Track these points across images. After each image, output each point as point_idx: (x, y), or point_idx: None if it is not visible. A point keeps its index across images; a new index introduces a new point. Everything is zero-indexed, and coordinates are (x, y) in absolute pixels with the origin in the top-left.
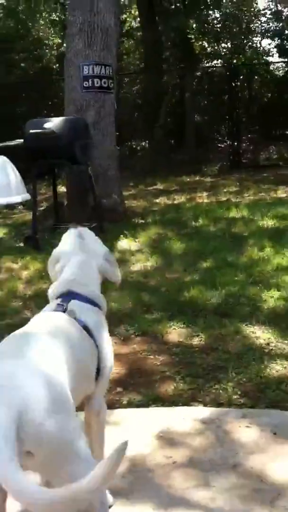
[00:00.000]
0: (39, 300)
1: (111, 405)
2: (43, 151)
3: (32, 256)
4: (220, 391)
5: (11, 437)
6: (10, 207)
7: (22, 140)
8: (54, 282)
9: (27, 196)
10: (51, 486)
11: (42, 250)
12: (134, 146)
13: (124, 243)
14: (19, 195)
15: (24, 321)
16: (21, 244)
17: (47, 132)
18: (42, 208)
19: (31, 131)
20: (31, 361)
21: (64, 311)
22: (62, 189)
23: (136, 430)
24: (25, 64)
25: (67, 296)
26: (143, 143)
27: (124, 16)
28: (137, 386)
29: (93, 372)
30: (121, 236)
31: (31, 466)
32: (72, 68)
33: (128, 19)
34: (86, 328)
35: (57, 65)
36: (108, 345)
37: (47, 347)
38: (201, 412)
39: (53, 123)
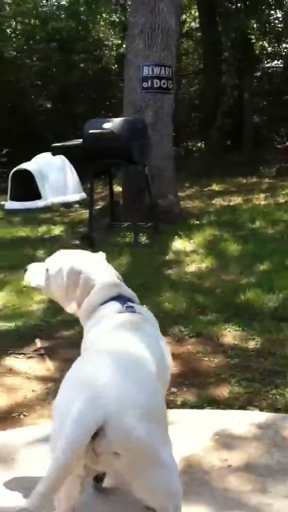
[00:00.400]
0: None
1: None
2: (101, 151)
3: None
4: (277, 396)
5: (85, 437)
6: (67, 205)
7: (81, 140)
8: (92, 290)
9: (83, 195)
10: (130, 488)
11: (98, 248)
12: (190, 147)
13: (179, 244)
14: (76, 194)
15: (76, 318)
16: (77, 242)
17: (106, 132)
18: (98, 207)
19: (90, 131)
20: (133, 362)
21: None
22: (117, 188)
23: (191, 431)
24: (84, 65)
25: (120, 299)
26: (199, 144)
27: (184, 16)
28: (192, 387)
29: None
30: (176, 236)
31: (116, 466)
32: (132, 69)
33: (187, 19)
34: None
35: (116, 65)
36: (166, 347)
37: (145, 351)
38: (258, 416)
39: (112, 123)
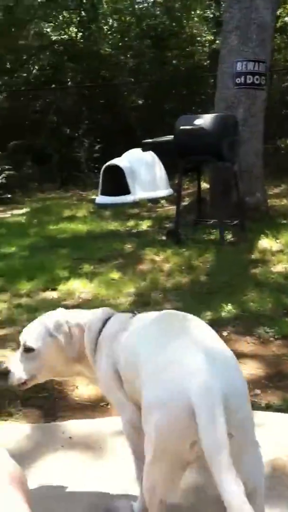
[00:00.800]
0: (178, 293)
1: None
2: (192, 147)
3: (173, 250)
4: None
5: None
6: (154, 201)
7: (172, 136)
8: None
9: (170, 191)
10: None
11: (183, 244)
12: (279, 144)
13: (265, 243)
14: (164, 190)
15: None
16: (163, 238)
17: (197, 128)
18: (185, 203)
19: (181, 127)
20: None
21: None
22: (204, 185)
23: (276, 434)
24: (176, 61)
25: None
26: None
27: (279, 11)
28: (277, 390)
29: None
30: (262, 235)
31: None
32: (226, 64)
33: (282, 14)
34: None
35: (208, 61)
36: None
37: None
38: None
39: (203, 119)
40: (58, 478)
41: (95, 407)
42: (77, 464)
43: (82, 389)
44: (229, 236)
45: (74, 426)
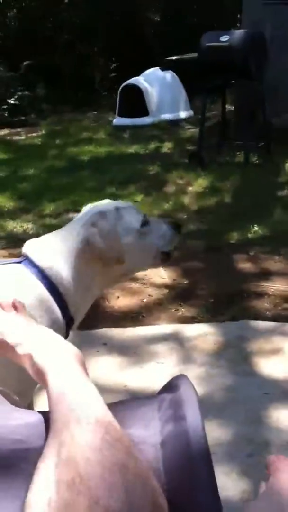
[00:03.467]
0: (203, 214)
1: (280, 318)
2: (217, 65)
3: (196, 172)
4: None
5: None
6: (174, 123)
7: (196, 54)
8: None
9: (191, 113)
10: None
11: (207, 167)
12: None
13: None
14: (184, 112)
15: (188, 233)
16: (186, 160)
17: (223, 45)
18: (208, 125)
19: (206, 44)
20: None
21: None
22: (227, 107)
23: None
24: None
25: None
26: None
27: None
28: None
29: None
30: None
31: None
32: None
33: None
34: None
35: None
36: None
37: None
38: None
39: (230, 36)
40: (97, 377)
41: (125, 317)
42: (114, 366)
43: (113, 301)
44: (254, 159)
45: (108, 334)
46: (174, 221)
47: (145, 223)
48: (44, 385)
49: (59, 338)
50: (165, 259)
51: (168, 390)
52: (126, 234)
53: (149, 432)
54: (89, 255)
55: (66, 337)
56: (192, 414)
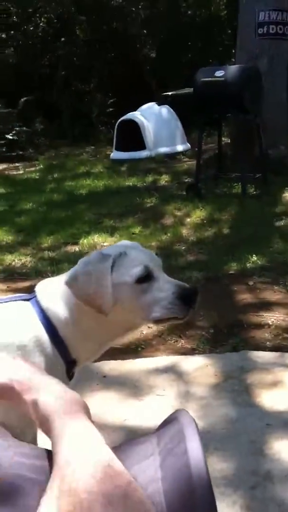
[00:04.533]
0: (201, 245)
1: (280, 348)
2: (213, 99)
3: (194, 204)
4: None
5: None
6: (171, 156)
7: (191, 89)
8: None
9: (187, 146)
10: None
11: (204, 198)
12: None
13: None
14: (181, 145)
15: (187, 264)
16: (183, 192)
17: (219, 80)
18: (204, 157)
19: (202, 79)
20: None
21: None
22: (223, 140)
23: None
24: (192, 12)
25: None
26: None
27: None
28: None
29: None
30: (287, 188)
31: None
32: (247, 14)
33: None
34: None
35: (225, 11)
36: None
37: None
38: None
39: (225, 71)
40: (97, 411)
41: (125, 349)
42: (114, 399)
43: None
44: (251, 190)
45: (107, 367)
46: (189, 289)
47: (144, 279)
48: (48, 433)
49: (63, 386)
50: (158, 323)
51: (168, 424)
52: (117, 285)
53: (149, 468)
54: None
55: (70, 377)
56: (193, 447)
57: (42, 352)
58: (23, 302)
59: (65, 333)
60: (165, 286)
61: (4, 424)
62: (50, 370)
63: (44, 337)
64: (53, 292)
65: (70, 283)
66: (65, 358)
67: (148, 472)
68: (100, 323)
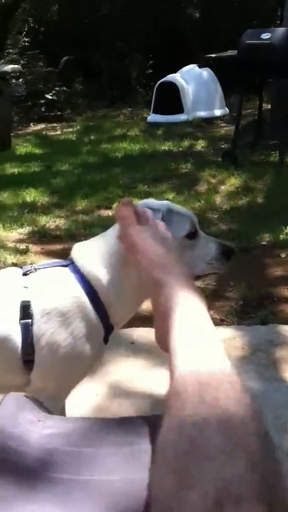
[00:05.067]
0: (234, 214)
1: None
2: (257, 63)
3: (229, 171)
4: None
5: None
6: (209, 120)
7: (235, 52)
8: None
9: (226, 111)
10: None
11: (240, 166)
12: None
13: None
14: (219, 110)
15: (218, 233)
16: (219, 159)
17: (265, 43)
18: (243, 123)
19: (247, 41)
20: None
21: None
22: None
23: None
24: None
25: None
26: None
27: None
28: None
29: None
30: None
31: None
32: None
33: None
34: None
35: None
36: None
37: None
38: None
39: (272, 34)
40: (125, 378)
41: (153, 317)
42: (141, 367)
43: None
44: None
45: (135, 333)
46: (228, 246)
47: (192, 235)
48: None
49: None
50: (198, 278)
51: None
52: None
53: None
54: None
55: (105, 343)
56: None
57: (83, 318)
58: (62, 267)
59: (105, 297)
60: (209, 243)
61: (33, 398)
62: (90, 334)
63: (86, 302)
64: (92, 256)
65: None
66: (105, 323)
67: None
68: (140, 281)
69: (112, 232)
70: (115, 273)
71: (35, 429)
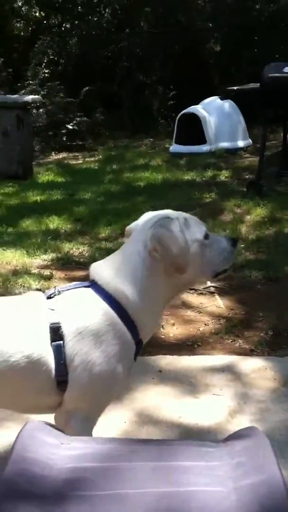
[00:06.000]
0: (261, 244)
1: None
2: (280, 95)
3: (255, 201)
4: None
5: None
6: (232, 151)
7: (257, 84)
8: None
9: (249, 142)
10: None
11: (266, 196)
12: None
13: None
14: (242, 141)
15: (245, 262)
16: (244, 189)
17: (287, 76)
18: (267, 154)
19: (270, 74)
20: None
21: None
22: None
23: None
24: (260, 6)
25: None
26: None
27: None
28: None
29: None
30: None
31: None
32: None
33: None
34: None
35: None
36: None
37: None
38: None
39: None
40: (153, 406)
41: (181, 345)
42: (169, 395)
43: (168, 329)
44: None
45: (163, 361)
46: (231, 236)
47: (207, 235)
48: None
49: None
50: (220, 274)
51: (239, 438)
52: (191, 243)
53: (218, 469)
54: (153, 262)
55: (135, 359)
56: (271, 465)
57: (115, 335)
58: (85, 288)
59: (134, 313)
60: (219, 238)
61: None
62: (123, 351)
63: (116, 319)
64: (114, 274)
65: (154, 248)
66: (136, 338)
67: (216, 473)
68: (167, 286)
69: (132, 248)
70: (141, 288)
71: (59, 452)
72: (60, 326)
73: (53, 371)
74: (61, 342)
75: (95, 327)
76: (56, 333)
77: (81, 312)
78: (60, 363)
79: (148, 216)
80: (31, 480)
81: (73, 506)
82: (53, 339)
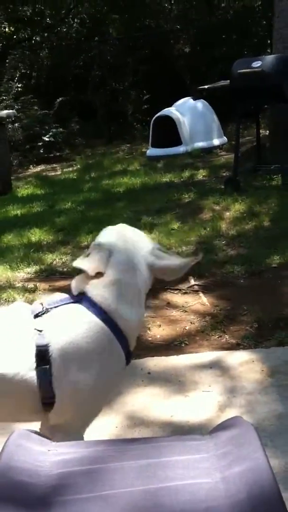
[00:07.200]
0: (242, 239)
1: None
2: (251, 90)
3: (233, 197)
4: None
5: None
6: (208, 150)
7: (228, 82)
8: None
9: (224, 140)
10: None
11: (243, 192)
12: None
13: None
14: (217, 139)
15: (227, 258)
16: (222, 186)
17: (256, 71)
18: (242, 150)
19: (239, 71)
20: None
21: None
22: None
23: None
24: (225, 4)
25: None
26: None
27: None
28: None
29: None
30: None
31: None
32: (284, 2)
33: None
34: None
35: (259, 3)
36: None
37: None
38: None
39: (262, 62)
40: (143, 408)
41: (168, 346)
42: (160, 396)
43: (154, 330)
44: None
45: (151, 363)
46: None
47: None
48: None
49: None
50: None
51: (224, 429)
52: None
53: (203, 462)
54: (150, 281)
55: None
56: (256, 453)
57: (110, 350)
58: (75, 305)
59: (123, 324)
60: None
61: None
62: (116, 365)
63: (109, 335)
64: (103, 287)
65: (157, 258)
66: (127, 350)
67: (203, 465)
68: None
69: (115, 260)
70: (127, 299)
71: (46, 459)
72: (47, 349)
73: (38, 395)
74: (47, 366)
75: (87, 346)
76: (42, 356)
77: (70, 332)
78: (46, 387)
79: (103, 234)
80: (18, 488)
81: (61, 511)
82: (38, 364)
